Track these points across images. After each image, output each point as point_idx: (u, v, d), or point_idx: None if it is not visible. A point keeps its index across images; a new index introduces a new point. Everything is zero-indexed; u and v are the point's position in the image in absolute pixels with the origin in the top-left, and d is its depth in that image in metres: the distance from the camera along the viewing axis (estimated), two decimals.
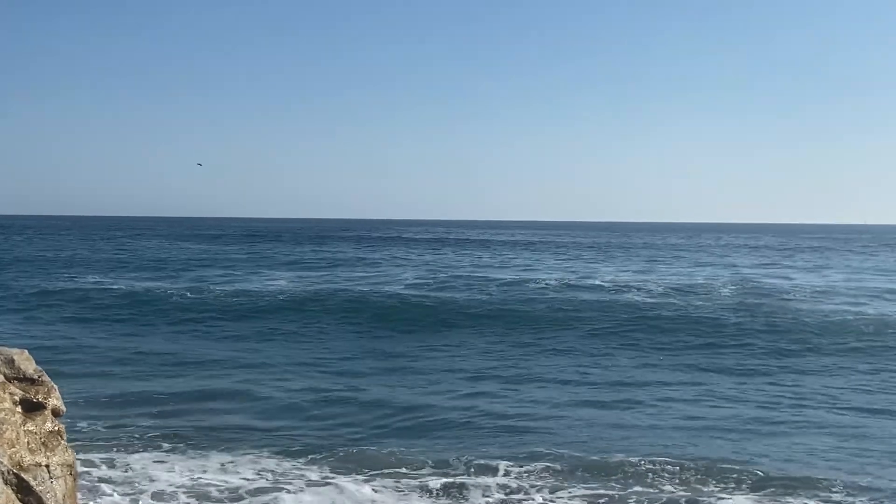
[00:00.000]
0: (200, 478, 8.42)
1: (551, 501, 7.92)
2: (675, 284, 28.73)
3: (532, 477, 8.61)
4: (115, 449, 9.32)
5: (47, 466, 5.37)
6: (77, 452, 8.98)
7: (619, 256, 50.05)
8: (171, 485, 8.18)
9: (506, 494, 8.14)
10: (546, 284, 28.01)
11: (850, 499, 8.05)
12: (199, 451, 9.34)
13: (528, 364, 14.82)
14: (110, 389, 12.32)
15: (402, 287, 26.63)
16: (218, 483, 8.29)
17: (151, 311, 21.07)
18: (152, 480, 8.29)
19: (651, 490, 8.24)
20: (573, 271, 36.14)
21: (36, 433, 5.59)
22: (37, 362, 6.36)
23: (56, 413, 5.79)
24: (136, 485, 8.18)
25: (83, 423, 10.24)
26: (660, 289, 26.97)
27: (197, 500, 7.87)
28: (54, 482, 5.30)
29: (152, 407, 11.38)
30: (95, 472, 8.44)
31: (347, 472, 8.65)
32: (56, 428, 5.70)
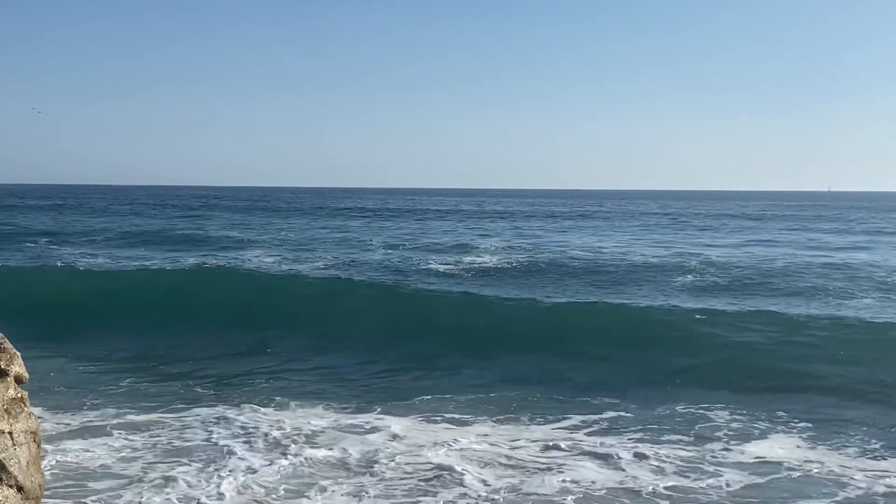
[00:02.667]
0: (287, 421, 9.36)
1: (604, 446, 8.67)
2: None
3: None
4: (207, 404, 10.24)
5: (10, 433, 5.18)
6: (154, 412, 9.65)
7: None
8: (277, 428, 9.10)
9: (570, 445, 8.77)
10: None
11: None
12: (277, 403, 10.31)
13: None
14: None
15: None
16: (303, 426, 9.23)
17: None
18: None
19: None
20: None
21: None
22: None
23: (19, 380, 5.59)
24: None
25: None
26: None
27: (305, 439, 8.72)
28: (17, 449, 5.12)
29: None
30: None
31: (405, 416, 9.70)
32: (19, 395, 5.49)
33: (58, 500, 7.13)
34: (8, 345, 5.94)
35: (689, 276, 21.94)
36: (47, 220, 48.38)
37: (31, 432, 5.38)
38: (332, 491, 7.34)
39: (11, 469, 4.98)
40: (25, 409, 5.46)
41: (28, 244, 31.20)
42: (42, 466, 8.00)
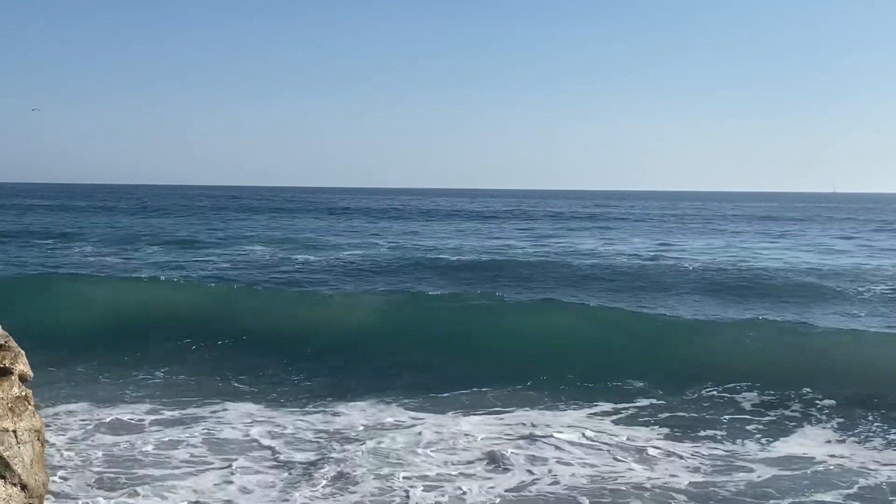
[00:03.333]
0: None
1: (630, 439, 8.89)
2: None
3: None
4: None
5: (14, 432, 5.15)
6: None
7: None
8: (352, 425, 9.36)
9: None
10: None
11: None
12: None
13: None
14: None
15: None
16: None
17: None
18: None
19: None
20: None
21: (2, 399, 5.36)
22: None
23: (23, 378, 5.56)
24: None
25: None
26: None
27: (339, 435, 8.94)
28: (21, 447, 5.08)
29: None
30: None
31: (446, 412, 9.98)
32: (23, 393, 5.47)
33: (104, 491, 7.25)
34: (12, 343, 5.91)
35: (693, 278, 21.92)
36: (56, 219, 48.59)
37: (35, 431, 5.34)
38: (362, 483, 7.40)
39: (15, 467, 4.95)
40: (30, 407, 5.42)
41: (35, 243, 31.29)
42: (88, 456, 8.12)
